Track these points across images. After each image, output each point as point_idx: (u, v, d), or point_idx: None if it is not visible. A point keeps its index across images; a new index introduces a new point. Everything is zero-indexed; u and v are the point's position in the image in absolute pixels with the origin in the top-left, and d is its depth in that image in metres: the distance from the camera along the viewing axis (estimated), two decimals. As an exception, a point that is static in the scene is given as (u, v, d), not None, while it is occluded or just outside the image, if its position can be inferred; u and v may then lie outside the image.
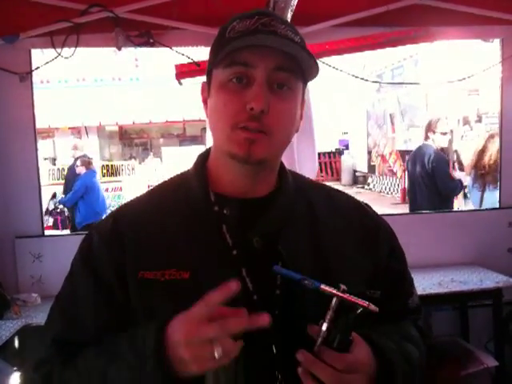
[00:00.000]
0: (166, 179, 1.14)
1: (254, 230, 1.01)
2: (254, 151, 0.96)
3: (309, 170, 3.13)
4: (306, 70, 1.00)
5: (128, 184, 10.29)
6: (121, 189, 10.29)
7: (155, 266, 0.98)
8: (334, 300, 0.88)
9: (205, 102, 1.07)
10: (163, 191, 1.11)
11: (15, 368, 2.29)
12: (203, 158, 1.10)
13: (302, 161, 3.14)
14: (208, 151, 1.11)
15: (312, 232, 1.06)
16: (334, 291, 0.88)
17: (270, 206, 1.04)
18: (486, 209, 4.36)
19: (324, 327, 0.89)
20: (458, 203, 10.46)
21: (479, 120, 13.55)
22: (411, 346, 1.08)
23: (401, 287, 1.16)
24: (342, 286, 0.89)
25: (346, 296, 0.88)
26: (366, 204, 1.19)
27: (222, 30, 1.01)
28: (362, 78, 5.06)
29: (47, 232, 3.55)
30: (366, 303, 0.87)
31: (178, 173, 1.14)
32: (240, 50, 0.94)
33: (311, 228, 1.06)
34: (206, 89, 1.05)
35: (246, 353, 0.89)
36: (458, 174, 5.52)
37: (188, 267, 0.98)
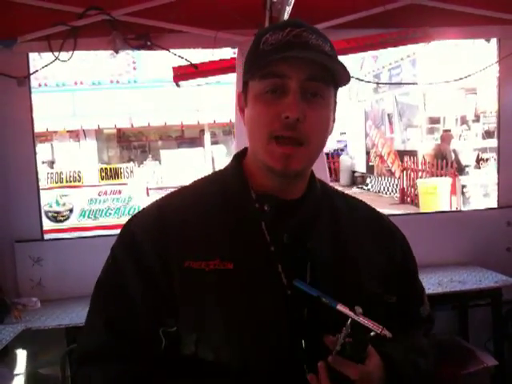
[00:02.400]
0: (200, 177, 1.19)
1: (285, 228, 1.06)
2: (291, 165, 1.02)
3: (321, 178, 3.10)
4: (337, 77, 1.05)
5: (127, 186, 10.28)
6: (120, 192, 10.27)
7: (200, 256, 1.03)
8: (349, 320, 0.92)
9: (242, 110, 1.12)
10: (201, 187, 1.16)
11: (15, 373, 2.28)
12: (239, 158, 1.15)
13: (314, 171, 3.10)
14: (244, 151, 1.16)
15: (335, 231, 1.12)
16: (350, 313, 0.93)
17: (301, 207, 1.10)
18: (485, 208, 4.37)
19: (339, 343, 0.93)
20: (457, 203, 10.48)
21: (477, 119, 13.59)
22: (420, 358, 1.12)
23: (413, 294, 1.21)
24: (358, 310, 0.92)
25: (360, 320, 0.91)
26: (380, 212, 1.27)
27: (257, 40, 1.06)
28: (361, 79, 5.05)
29: (46, 236, 3.55)
30: (379, 328, 0.92)
31: (212, 172, 1.20)
32: (274, 62, 0.99)
33: (334, 227, 1.13)
34: (243, 98, 1.10)
35: (279, 346, 0.99)
36: None
37: (231, 258, 1.03)
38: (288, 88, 1.00)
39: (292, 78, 0.99)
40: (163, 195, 1.17)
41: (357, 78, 4.54)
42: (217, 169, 1.23)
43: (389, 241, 1.18)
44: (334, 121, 1.11)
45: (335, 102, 1.09)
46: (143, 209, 1.14)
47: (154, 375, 1.01)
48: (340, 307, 0.93)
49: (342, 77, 1.05)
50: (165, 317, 1.02)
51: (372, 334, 0.91)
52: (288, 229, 1.06)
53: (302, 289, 0.98)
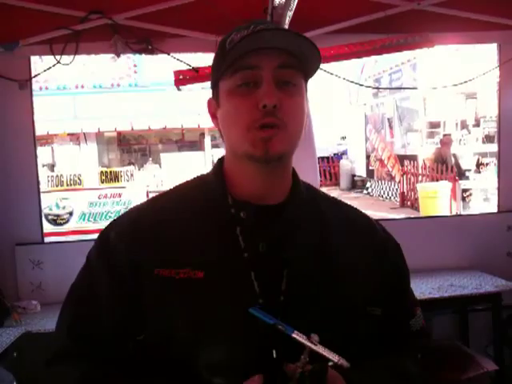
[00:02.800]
0: (183, 182, 1.17)
1: (262, 235, 1.03)
2: (272, 147, 0.99)
3: (311, 181, 3.11)
4: (307, 65, 1.03)
5: (127, 190, 10.30)
6: (120, 195, 10.28)
7: (171, 264, 1.00)
8: (307, 349, 0.89)
9: (213, 116, 1.10)
10: (181, 192, 1.14)
11: (14, 376, 2.28)
12: (221, 162, 1.13)
13: (303, 172, 3.10)
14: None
15: (320, 240, 1.08)
16: (305, 342, 0.89)
17: (282, 213, 1.06)
18: (485, 213, 4.37)
19: (298, 370, 0.89)
20: (457, 208, 10.48)
21: (477, 124, 13.60)
22: None
23: (403, 306, 1.15)
24: (315, 338, 0.89)
25: (315, 349, 0.88)
26: (376, 220, 1.21)
27: (222, 43, 1.05)
28: (361, 84, 5.07)
29: (46, 239, 3.55)
30: (336, 358, 0.88)
31: (195, 176, 1.17)
32: (244, 56, 0.98)
33: (320, 236, 1.08)
34: (214, 103, 1.09)
35: (246, 357, 0.94)
36: None
37: (202, 266, 1.00)
38: (261, 78, 0.99)
39: (263, 68, 0.99)
40: (141, 202, 1.15)
41: (357, 83, 4.55)
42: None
43: (380, 253, 1.12)
44: (308, 115, 1.08)
45: (306, 93, 1.08)
46: (122, 214, 1.13)
47: (115, 376, 1.00)
48: (295, 335, 0.89)
49: (312, 62, 1.03)
50: (132, 324, 1.01)
51: (330, 364, 0.88)
52: (266, 236, 1.03)
53: (258, 316, 0.92)
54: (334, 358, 0.88)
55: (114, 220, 1.12)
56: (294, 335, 0.89)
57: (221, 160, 1.14)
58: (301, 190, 1.12)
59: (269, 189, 1.07)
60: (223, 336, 0.97)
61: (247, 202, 1.05)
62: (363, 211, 1.22)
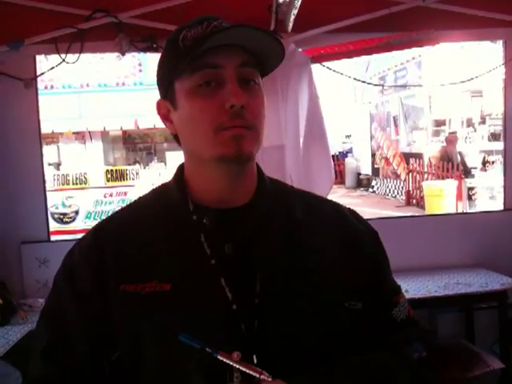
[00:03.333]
0: (147, 192, 1.12)
1: (227, 237, 1.00)
2: (244, 147, 0.95)
3: (326, 180, 3.07)
4: (265, 62, 1.00)
5: (133, 188, 10.31)
6: (125, 194, 10.31)
7: (136, 279, 0.97)
8: (234, 367, 0.89)
9: (166, 118, 1.06)
10: (143, 203, 1.10)
11: (21, 372, 2.30)
12: (182, 169, 1.08)
13: (317, 171, 3.07)
14: None
15: (289, 238, 1.03)
16: (229, 361, 0.88)
17: (247, 214, 1.02)
18: (491, 211, 4.36)
19: None
20: (463, 206, 10.46)
21: (483, 121, 13.56)
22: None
23: (381, 296, 1.09)
24: (236, 354, 0.88)
25: (240, 366, 0.88)
26: (349, 209, 1.16)
27: (173, 40, 1.00)
28: (365, 82, 5.06)
29: (53, 237, 3.57)
30: (258, 372, 0.87)
31: (159, 184, 1.13)
32: (204, 54, 0.94)
33: (289, 234, 1.04)
34: (166, 104, 1.04)
35: (223, 366, 0.90)
36: None
37: (169, 279, 0.97)
38: (223, 78, 0.94)
39: (226, 67, 0.94)
40: (103, 218, 1.12)
41: (362, 81, 4.54)
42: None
43: (354, 244, 1.07)
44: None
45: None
46: (84, 235, 1.08)
47: None
48: (220, 356, 0.88)
49: (271, 56, 0.99)
50: (104, 345, 0.98)
51: (261, 377, 0.87)
52: (232, 238, 0.99)
53: (186, 343, 0.89)
54: (255, 373, 0.87)
55: (80, 239, 1.08)
56: (219, 356, 0.88)
57: (181, 166, 1.09)
58: (266, 187, 1.07)
59: (234, 191, 1.02)
60: (196, 349, 0.92)
61: (210, 207, 1.01)
62: (331, 199, 1.19)
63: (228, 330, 0.94)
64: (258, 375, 0.87)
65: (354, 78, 3.73)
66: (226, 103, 0.93)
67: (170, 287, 0.96)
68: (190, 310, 0.95)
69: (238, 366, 0.88)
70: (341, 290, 1.01)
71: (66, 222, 10.02)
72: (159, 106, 1.06)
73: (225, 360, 0.88)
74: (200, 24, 0.98)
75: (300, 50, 3.19)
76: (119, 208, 1.12)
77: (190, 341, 0.90)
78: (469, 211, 9.57)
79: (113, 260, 0.99)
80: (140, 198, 1.12)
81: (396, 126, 15.07)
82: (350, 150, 19.25)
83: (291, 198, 1.11)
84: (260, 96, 0.99)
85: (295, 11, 2.78)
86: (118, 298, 0.97)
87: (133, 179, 10.57)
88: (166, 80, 1.02)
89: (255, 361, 0.92)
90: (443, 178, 11.36)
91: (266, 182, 1.09)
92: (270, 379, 0.87)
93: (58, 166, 13.99)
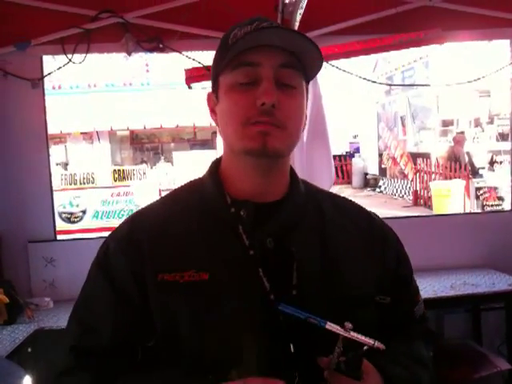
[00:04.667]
0: (180, 185, 1.16)
1: (267, 231, 1.03)
2: (269, 143, 0.99)
3: (326, 178, 3.09)
4: (308, 67, 1.03)
5: (139, 188, 10.34)
6: (132, 193, 10.34)
7: (174, 269, 1.00)
8: (341, 338, 0.89)
9: (212, 110, 1.10)
10: (178, 196, 1.14)
11: (26, 371, 2.30)
12: (217, 164, 1.13)
13: (318, 170, 3.09)
14: (221, 157, 1.14)
15: (321, 234, 1.08)
16: (339, 330, 0.89)
17: (282, 208, 1.06)
18: (498, 211, 4.33)
19: (333, 363, 0.89)
20: (470, 206, 10.41)
21: (491, 122, 13.48)
22: (422, 370, 1.09)
23: (407, 295, 1.17)
24: (348, 325, 0.89)
25: (350, 335, 0.89)
26: (372, 212, 1.21)
27: (224, 38, 1.05)
28: (373, 81, 5.04)
29: (61, 237, 3.58)
30: (371, 342, 0.89)
31: (192, 179, 1.16)
32: (245, 52, 0.98)
33: (321, 230, 1.09)
34: (213, 98, 1.09)
35: (266, 352, 0.95)
36: None
37: (207, 268, 1.00)
38: (261, 76, 0.98)
39: (265, 66, 0.98)
40: (137, 210, 1.15)
41: (369, 80, 4.53)
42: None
43: (380, 243, 1.13)
44: (306, 117, 1.08)
45: (307, 94, 1.07)
46: (117, 227, 1.12)
47: (123, 373, 1.00)
48: (329, 326, 0.89)
49: (313, 64, 1.03)
50: (140, 332, 1.01)
51: (365, 348, 0.88)
52: (270, 232, 1.03)
53: (287, 312, 0.92)
54: (369, 342, 0.89)
55: (114, 230, 1.11)
56: (327, 326, 0.90)
57: (215, 162, 1.14)
58: (299, 185, 1.12)
59: (267, 186, 1.07)
60: (233, 336, 0.97)
61: (246, 201, 1.05)
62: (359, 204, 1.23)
63: (265, 319, 0.97)
64: (371, 344, 0.88)
65: (362, 77, 3.71)
66: (257, 100, 0.98)
67: (208, 276, 0.99)
68: (227, 299, 0.98)
69: (350, 336, 0.88)
70: (372, 284, 1.08)
71: (74, 222, 10.07)
72: (209, 98, 1.11)
73: (334, 330, 0.89)
74: (250, 24, 1.02)
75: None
76: (153, 201, 1.16)
77: (293, 311, 0.92)
78: (476, 211, 9.52)
79: (149, 250, 1.03)
80: (174, 190, 1.16)
81: (403, 125, 15.02)
82: (357, 150, 19.21)
83: (320, 197, 1.16)
84: (297, 98, 1.02)
85: (301, 11, 2.77)
86: (156, 287, 1.00)
87: (140, 179, 10.61)
88: (213, 74, 1.08)
89: (292, 349, 0.96)
90: (451, 178, 11.32)
91: (299, 181, 1.14)
92: (384, 347, 0.89)
93: (65, 165, 14.05)
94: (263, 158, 1.02)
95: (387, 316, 1.09)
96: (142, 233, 1.05)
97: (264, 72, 0.98)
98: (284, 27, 1.00)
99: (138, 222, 1.09)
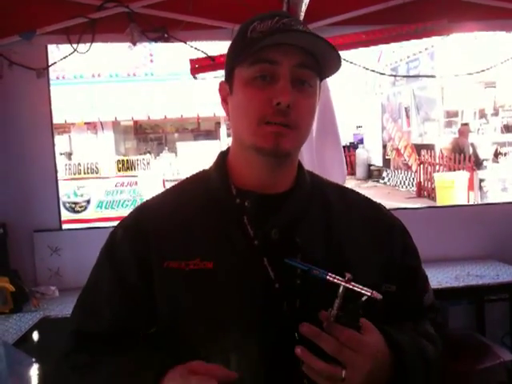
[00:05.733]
0: (186, 177, 1.17)
1: (272, 222, 1.04)
2: (282, 144, 1.00)
3: (338, 174, 3.07)
4: (324, 67, 1.03)
5: (143, 178, 10.36)
6: (136, 183, 10.36)
7: (180, 256, 1.02)
8: (341, 288, 0.90)
9: (224, 99, 1.10)
10: (184, 186, 1.15)
11: (34, 359, 2.32)
12: (224, 155, 1.14)
13: (330, 165, 3.08)
14: (229, 149, 1.14)
15: (327, 225, 1.09)
16: (340, 280, 0.91)
17: (288, 200, 1.07)
18: (503, 202, 4.33)
19: (332, 313, 0.91)
20: (474, 197, 10.39)
21: (496, 113, 13.43)
22: (427, 342, 1.08)
23: (415, 284, 1.17)
24: (348, 275, 0.91)
25: (350, 284, 0.90)
26: (380, 204, 1.22)
27: (243, 29, 1.04)
28: (378, 72, 5.02)
29: (65, 226, 3.59)
30: (369, 291, 0.89)
31: (199, 170, 1.17)
32: (265, 49, 0.97)
33: (326, 221, 1.09)
34: (226, 87, 1.08)
35: (270, 341, 0.96)
36: None
37: (211, 257, 1.01)
38: (278, 74, 0.99)
39: (283, 64, 0.98)
40: (145, 199, 1.17)
41: (372, 71, 4.51)
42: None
43: (386, 234, 1.14)
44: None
45: (319, 92, 1.08)
46: (126, 216, 1.14)
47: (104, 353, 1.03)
48: (330, 277, 0.91)
49: (331, 65, 1.03)
50: (142, 319, 1.04)
51: (363, 298, 0.89)
52: (275, 223, 1.04)
53: (294, 264, 0.96)
54: (367, 291, 0.90)
55: (123, 219, 1.14)
56: (328, 277, 0.91)
57: (223, 154, 1.14)
58: (305, 178, 1.13)
59: (275, 179, 1.08)
60: (237, 324, 0.98)
61: (251, 191, 1.06)
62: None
63: (269, 307, 0.98)
64: (369, 293, 0.89)
65: (367, 68, 3.70)
66: (273, 99, 0.98)
67: (212, 265, 1.01)
68: (232, 287, 1.00)
69: (350, 286, 0.90)
70: (377, 273, 1.08)
71: (78, 211, 10.11)
72: (221, 86, 1.11)
73: (335, 281, 0.91)
74: (271, 19, 1.01)
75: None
76: (160, 191, 1.17)
77: (296, 263, 0.96)
78: (480, 203, 9.51)
79: (156, 239, 1.04)
80: (181, 181, 1.17)
81: (408, 117, 14.99)
82: (361, 141, 19.17)
83: (326, 188, 1.16)
84: (311, 98, 1.03)
85: (307, 1, 2.76)
86: (161, 274, 1.02)
87: (144, 169, 10.62)
88: (229, 65, 1.07)
89: (297, 338, 0.95)
90: (455, 170, 11.29)
91: (305, 173, 1.14)
92: (381, 297, 0.90)
93: (69, 155, 14.08)
94: (273, 158, 1.03)
95: (395, 305, 1.09)
96: (149, 222, 1.07)
97: (282, 71, 0.98)
98: (308, 31, 0.99)
99: (146, 212, 1.11)
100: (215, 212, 1.06)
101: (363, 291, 0.90)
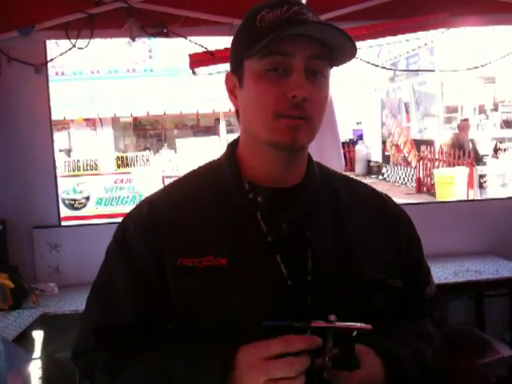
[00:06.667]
0: (195, 168, 1.15)
1: (283, 217, 1.03)
2: (298, 137, 0.98)
3: (336, 165, 3.08)
4: (337, 56, 1.01)
5: (139, 175, 10.35)
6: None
7: (193, 253, 1.01)
8: (328, 333, 0.89)
9: (232, 92, 1.07)
10: (194, 179, 1.13)
11: (33, 356, 2.32)
12: (233, 147, 1.12)
13: (328, 156, 3.06)
14: (237, 140, 1.12)
15: (336, 218, 1.08)
16: (326, 324, 0.89)
17: (299, 194, 1.06)
18: (502, 198, 4.32)
19: (328, 359, 0.89)
20: (474, 193, 10.39)
21: (495, 109, 13.42)
22: (426, 346, 1.08)
23: (419, 276, 1.18)
24: (332, 317, 0.90)
25: (337, 325, 0.89)
26: (385, 194, 1.22)
27: (250, 18, 1.01)
28: (378, 66, 5.00)
29: (65, 223, 3.59)
30: (358, 325, 0.89)
31: (207, 162, 1.15)
32: (277, 40, 0.94)
33: (335, 214, 1.09)
34: (234, 79, 1.05)
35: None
36: None
37: (225, 254, 1.00)
38: (292, 66, 0.96)
39: (296, 56, 0.96)
40: (154, 192, 1.14)
41: (373, 64, 4.49)
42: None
43: (393, 225, 1.14)
44: (330, 101, 1.09)
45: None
46: (135, 208, 1.11)
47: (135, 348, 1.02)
48: (315, 324, 0.89)
49: (343, 54, 1.01)
50: (160, 314, 1.02)
51: (354, 333, 0.89)
52: (286, 218, 1.03)
53: (272, 325, 0.91)
54: (355, 326, 0.89)
55: (131, 212, 1.11)
56: (313, 324, 0.89)
57: (232, 145, 1.12)
58: (315, 171, 1.12)
59: (287, 173, 1.07)
60: (251, 321, 0.97)
61: (264, 186, 1.05)
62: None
63: (282, 304, 0.98)
64: (358, 327, 0.89)
65: (367, 62, 3.68)
66: (288, 92, 0.96)
67: (226, 262, 1.00)
68: (246, 284, 0.99)
69: (337, 325, 0.89)
70: (384, 268, 1.08)
71: (77, 208, 10.11)
72: (228, 78, 1.08)
73: (319, 325, 0.89)
74: (280, 7, 0.98)
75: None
76: (170, 183, 1.15)
77: (276, 323, 0.92)
78: (480, 198, 9.51)
79: (168, 235, 1.03)
80: (188, 175, 1.15)
81: (407, 112, 14.97)
82: (361, 137, 19.15)
83: (335, 181, 1.16)
84: (325, 89, 1.01)
85: (306, -5, 2.75)
86: (174, 272, 1.00)
87: (143, 165, 10.61)
88: (237, 56, 1.03)
89: (309, 334, 0.95)
90: (454, 166, 11.29)
91: (315, 166, 1.13)
92: (371, 327, 0.90)
93: (68, 152, 14.06)
94: (289, 152, 1.02)
95: (399, 298, 1.10)
96: (160, 217, 1.05)
97: (296, 62, 0.96)
98: (322, 21, 0.97)
99: (156, 205, 1.08)
100: (227, 207, 1.05)
101: (351, 327, 0.89)
